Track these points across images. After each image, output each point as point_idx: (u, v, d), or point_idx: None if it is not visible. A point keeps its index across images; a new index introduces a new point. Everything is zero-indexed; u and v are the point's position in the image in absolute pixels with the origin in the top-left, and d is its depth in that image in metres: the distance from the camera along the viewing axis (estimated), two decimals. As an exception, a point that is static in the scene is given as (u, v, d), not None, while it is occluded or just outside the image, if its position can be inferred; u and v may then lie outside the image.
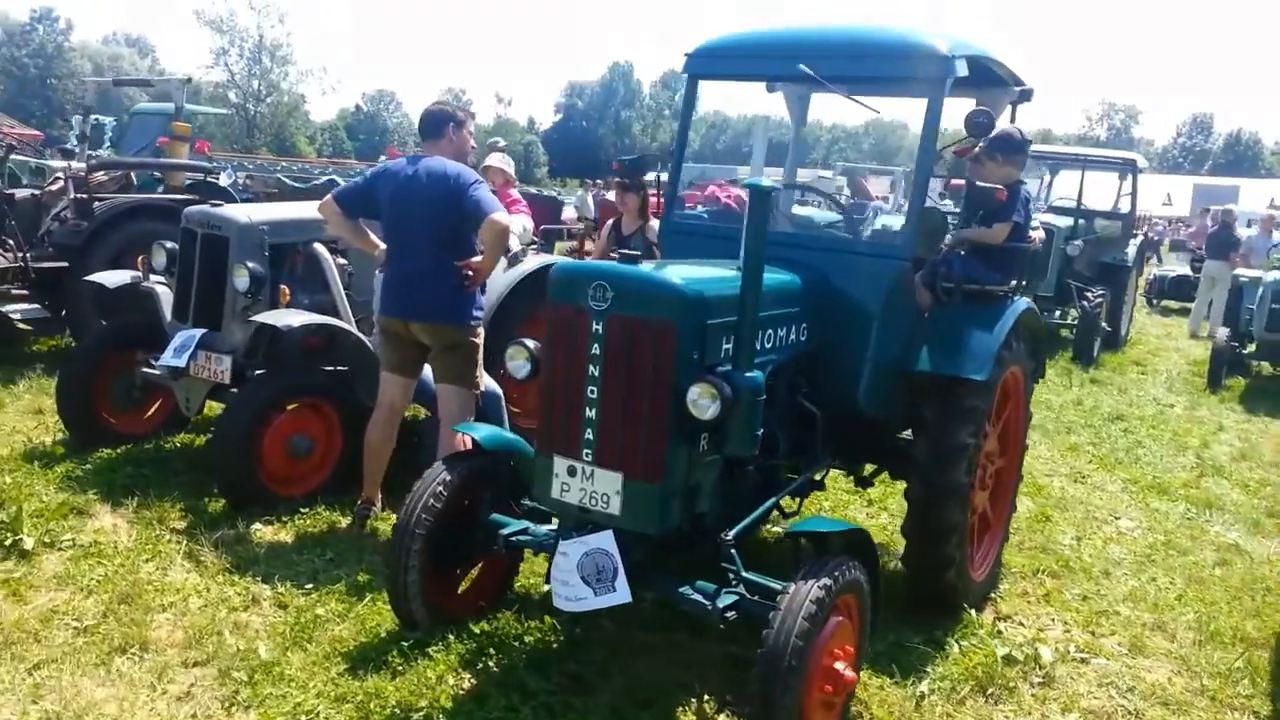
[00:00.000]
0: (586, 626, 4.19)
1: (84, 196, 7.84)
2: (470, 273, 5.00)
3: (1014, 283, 4.83)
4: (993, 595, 5.06)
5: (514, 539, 3.97)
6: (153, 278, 6.14)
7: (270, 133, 74.64)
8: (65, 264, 7.87)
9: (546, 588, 3.91)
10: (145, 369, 6.11)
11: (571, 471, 3.56)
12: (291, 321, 5.26)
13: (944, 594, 4.52)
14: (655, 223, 6.89)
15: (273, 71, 75.67)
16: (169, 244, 6.00)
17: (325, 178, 17.86)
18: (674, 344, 3.39)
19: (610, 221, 7.47)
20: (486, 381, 5.50)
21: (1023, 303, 4.81)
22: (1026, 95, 5.10)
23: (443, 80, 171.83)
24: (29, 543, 4.70)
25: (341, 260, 6.03)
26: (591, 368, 3.49)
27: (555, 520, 3.98)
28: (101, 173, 8.29)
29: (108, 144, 18.13)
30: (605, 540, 3.50)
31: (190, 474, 5.77)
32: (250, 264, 5.52)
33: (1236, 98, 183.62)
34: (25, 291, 7.82)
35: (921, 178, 4.38)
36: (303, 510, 5.36)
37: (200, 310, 5.70)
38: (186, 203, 8.35)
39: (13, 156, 16.56)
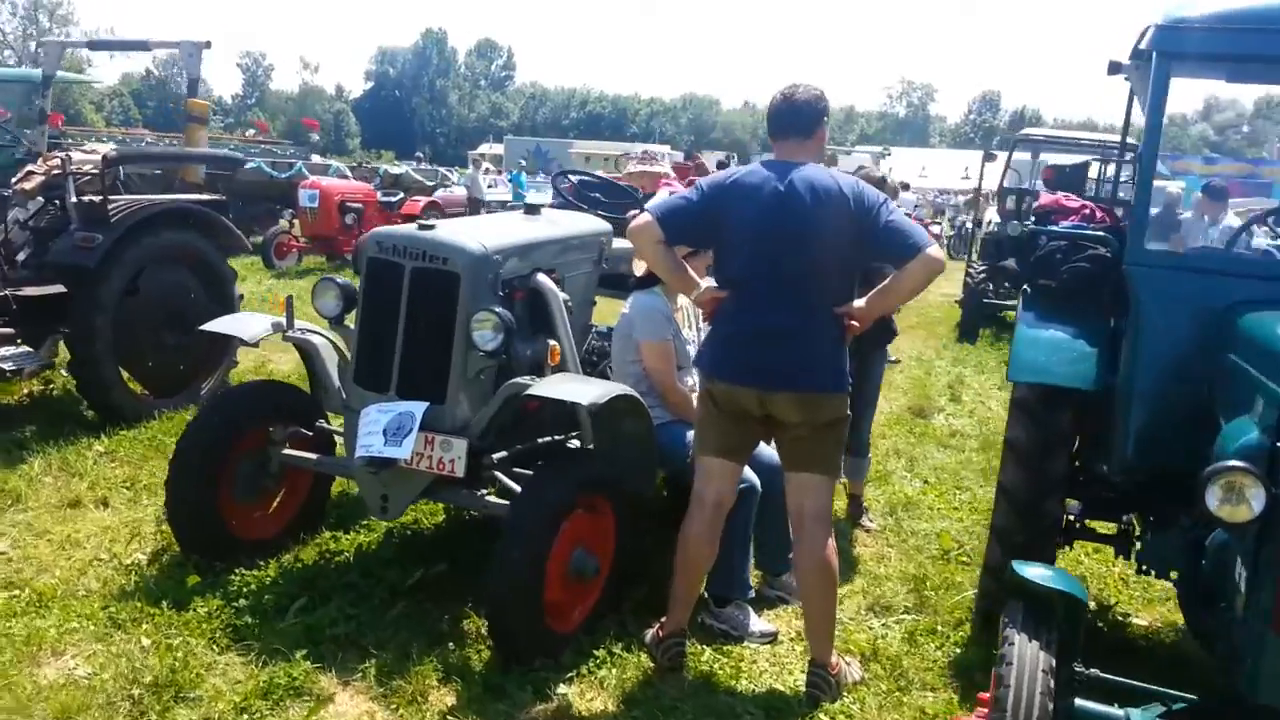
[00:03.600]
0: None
1: (96, 200, 5.75)
2: (854, 322, 3.68)
3: None
4: None
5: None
6: (298, 325, 4.38)
7: (52, 99, 67.16)
8: (62, 289, 5.82)
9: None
10: (290, 451, 4.40)
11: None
12: (596, 394, 3.72)
13: None
14: None
15: (51, 33, 67.97)
16: (341, 279, 4.26)
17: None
18: None
19: None
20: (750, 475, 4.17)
21: None
22: None
23: (241, 43, 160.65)
24: (285, 768, 3.02)
25: (564, 295, 4.47)
26: None
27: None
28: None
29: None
30: None
31: (403, 604, 4.09)
32: (498, 310, 3.91)
33: (1021, 76, 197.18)
34: (10, 330, 5.71)
35: None
36: (594, 655, 3.86)
37: (410, 375, 4.03)
38: (214, 205, 6.48)
39: None
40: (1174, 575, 3.55)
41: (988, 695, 2.94)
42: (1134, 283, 3.65)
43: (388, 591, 4.16)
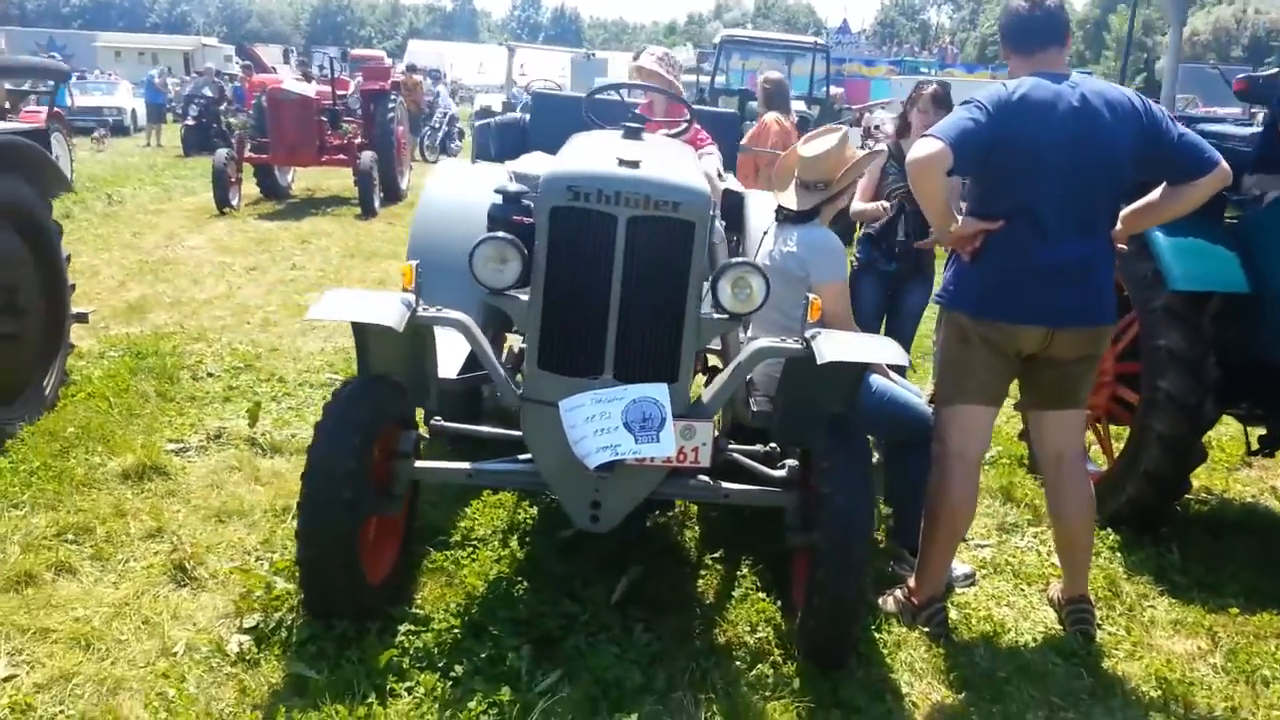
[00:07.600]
0: None
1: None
2: (1122, 246, 3.56)
3: None
4: None
5: None
6: (423, 305, 3.29)
7: None
8: None
9: None
10: (427, 463, 3.42)
11: None
12: (898, 350, 3.22)
13: None
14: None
15: None
16: (505, 235, 3.23)
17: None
18: None
19: (884, 144, 5.47)
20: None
21: None
22: None
23: None
24: None
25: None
26: None
27: None
28: None
29: None
30: None
31: (642, 629, 3.33)
32: (751, 262, 3.23)
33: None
34: None
35: None
36: (871, 639, 3.47)
37: (630, 352, 3.19)
38: (34, 135, 4.77)
39: None
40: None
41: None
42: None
43: (618, 616, 3.39)
